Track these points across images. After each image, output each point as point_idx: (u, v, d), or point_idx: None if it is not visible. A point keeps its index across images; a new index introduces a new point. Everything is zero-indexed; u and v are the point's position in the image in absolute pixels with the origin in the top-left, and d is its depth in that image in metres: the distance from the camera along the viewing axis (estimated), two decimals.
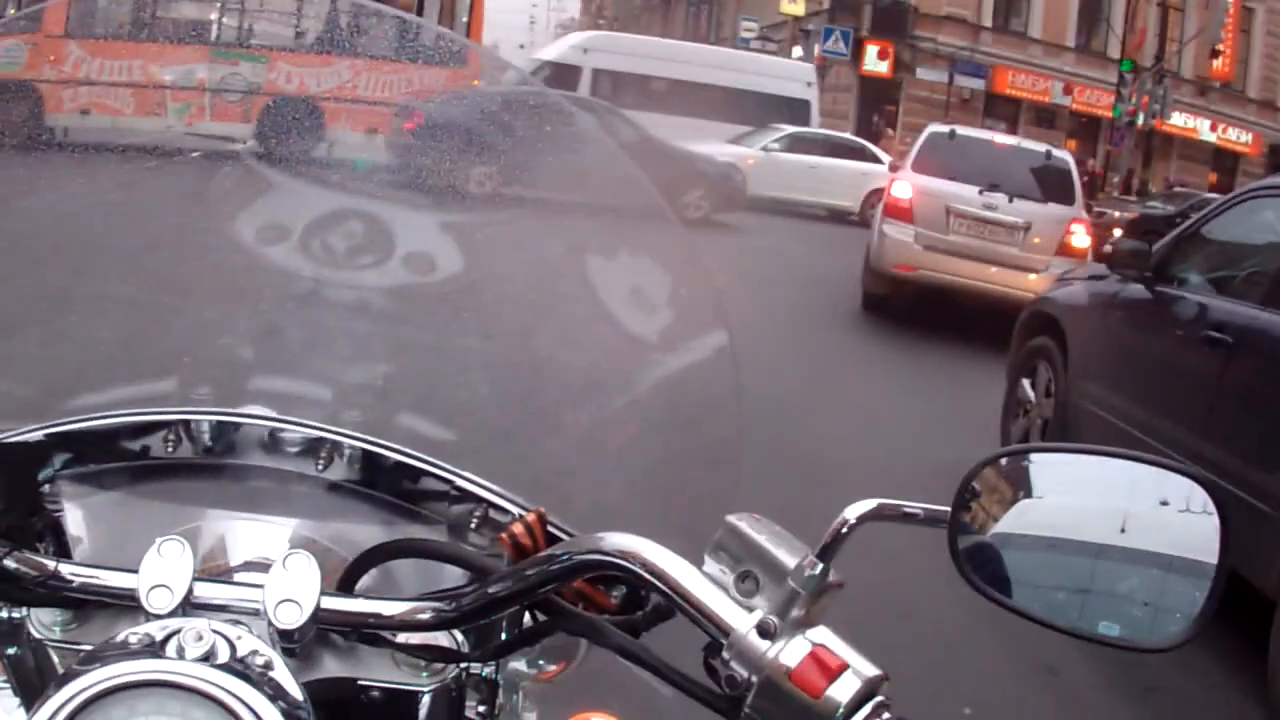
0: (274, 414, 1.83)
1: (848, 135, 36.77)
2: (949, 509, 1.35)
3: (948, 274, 15.34)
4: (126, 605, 1.40)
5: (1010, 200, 15.46)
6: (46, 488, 1.66)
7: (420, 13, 26.52)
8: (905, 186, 15.90)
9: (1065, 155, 17.34)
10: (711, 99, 33.95)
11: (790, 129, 32.63)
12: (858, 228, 25.42)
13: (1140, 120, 43.18)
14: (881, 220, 16.00)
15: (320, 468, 1.78)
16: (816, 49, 45.72)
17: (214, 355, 2.08)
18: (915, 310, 15.73)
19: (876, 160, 31.57)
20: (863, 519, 1.28)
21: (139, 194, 2.33)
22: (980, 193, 15.45)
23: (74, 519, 1.66)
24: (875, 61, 45.12)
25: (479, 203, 2.20)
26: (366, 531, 1.70)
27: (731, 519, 1.35)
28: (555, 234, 2.34)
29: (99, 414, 1.78)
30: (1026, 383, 9.49)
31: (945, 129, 17.20)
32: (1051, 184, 16.07)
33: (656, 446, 2.06)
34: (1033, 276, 14.75)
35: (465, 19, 26.17)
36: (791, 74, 38.85)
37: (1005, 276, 15.13)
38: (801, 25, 50.95)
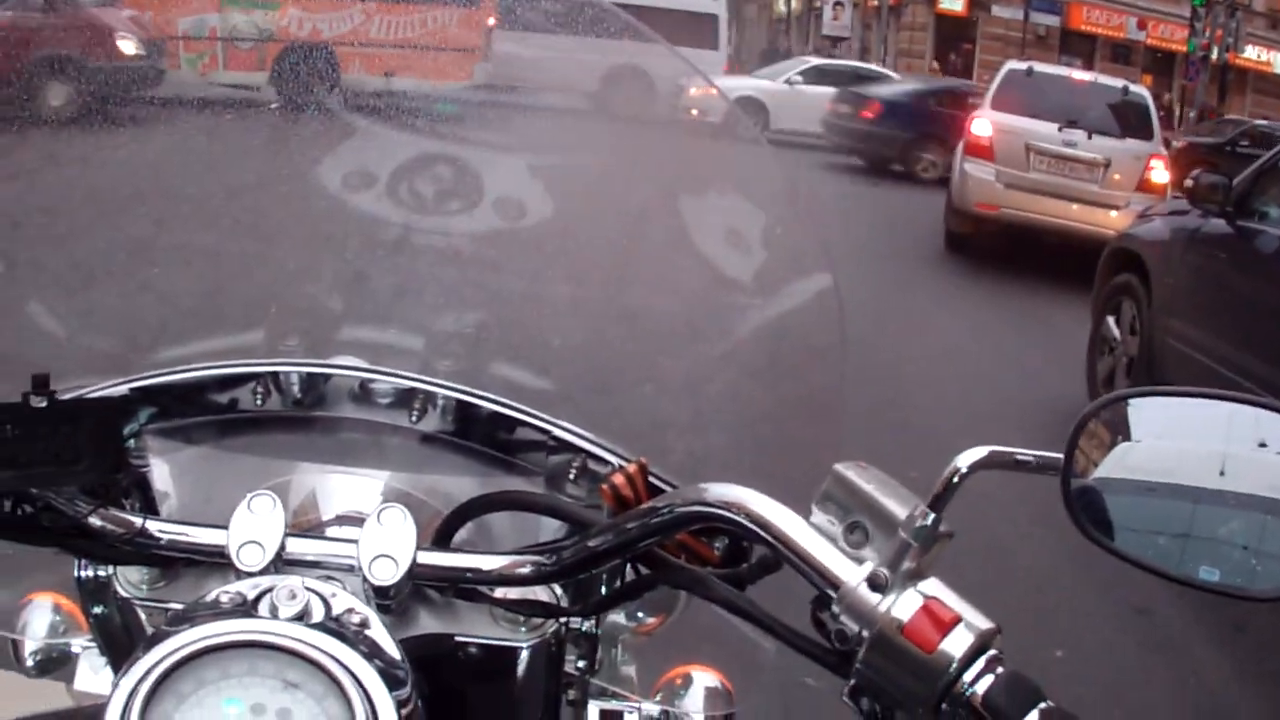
0: (365, 364, 1.80)
1: (871, 64, 35.82)
2: (1060, 455, 1.31)
3: (1030, 212, 15.22)
4: (216, 563, 1.39)
5: (1089, 137, 15.35)
6: (132, 443, 1.63)
7: None
8: (985, 124, 15.78)
9: (1142, 90, 17.19)
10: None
11: (814, 60, 31.66)
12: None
13: (1214, 54, 42.52)
14: (963, 159, 15.88)
15: (413, 419, 1.75)
16: None
17: (301, 305, 2.05)
18: (998, 248, 15.64)
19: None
20: (975, 467, 1.25)
21: (219, 141, 2.31)
22: (1059, 129, 15.35)
23: (160, 474, 1.64)
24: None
25: (568, 143, 2.18)
26: (462, 484, 1.66)
27: (839, 467, 1.31)
28: (647, 173, 2.23)
29: (184, 367, 1.76)
30: (1111, 320, 9.38)
31: (1023, 66, 17.06)
32: (1129, 120, 15.93)
33: (758, 394, 2.02)
34: (1114, 213, 14.63)
35: None
36: None
37: (1087, 214, 15.04)
38: None
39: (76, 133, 2.16)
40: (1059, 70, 19.60)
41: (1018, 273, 15.05)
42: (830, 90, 28.39)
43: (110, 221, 2.17)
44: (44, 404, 1.42)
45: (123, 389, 1.67)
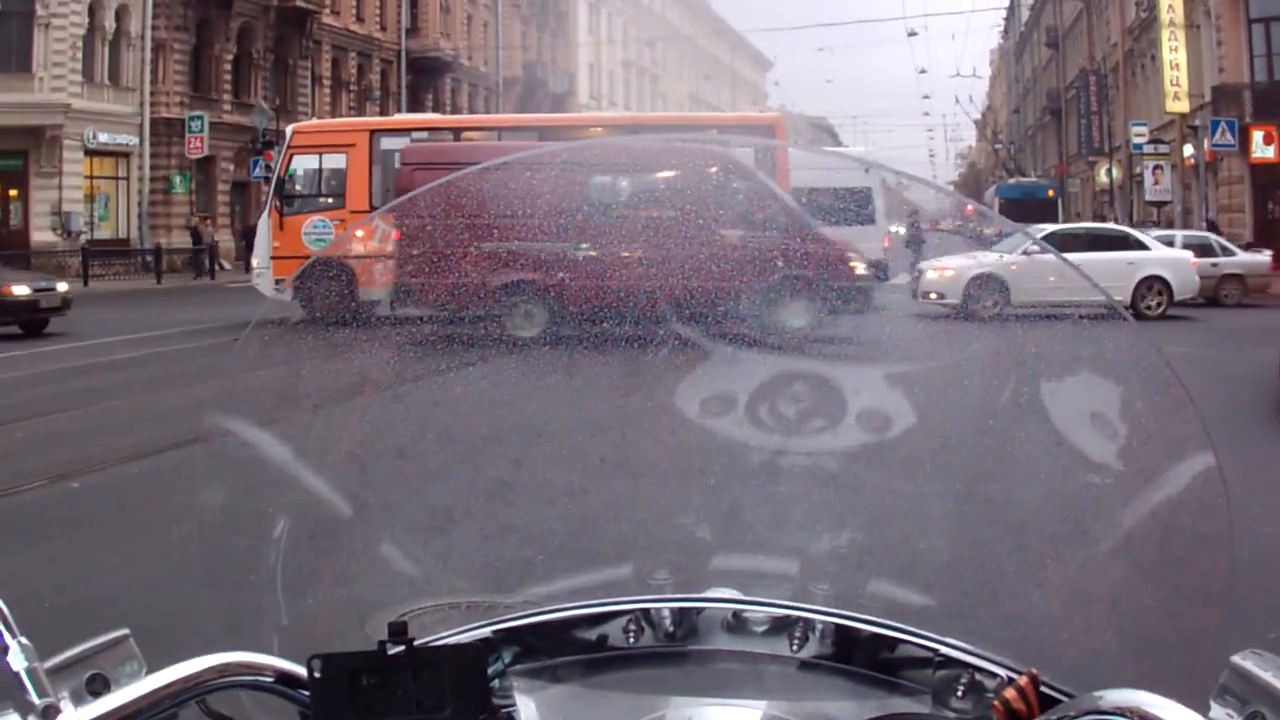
0: (738, 594, 1.80)
1: (1109, 224, 35.09)
2: None
3: None
4: None
5: None
6: (497, 683, 1.61)
7: None
8: None
9: None
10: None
11: (1049, 227, 31.05)
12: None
13: None
14: None
15: (794, 648, 1.71)
16: (1206, 144, 44.42)
17: (670, 537, 2.03)
18: None
19: (1143, 247, 29.76)
20: None
21: (574, 379, 2.32)
22: None
23: (527, 715, 1.60)
24: (1262, 147, 43.39)
25: (923, 346, 2.15)
26: (844, 708, 1.66)
27: (1236, 659, 1.27)
28: (1004, 365, 2.16)
29: (548, 608, 1.77)
30: None
31: None
32: None
33: (1146, 589, 1.92)
34: None
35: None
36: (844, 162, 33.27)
37: None
38: (1188, 122, 49.60)
39: (422, 375, 2.28)
40: None
41: None
42: (1070, 255, 27.67)
43: (465, 463, 2.19)
44: (402, 650, 1.41)
45: (486, 630, 1.69)
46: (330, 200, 27.78)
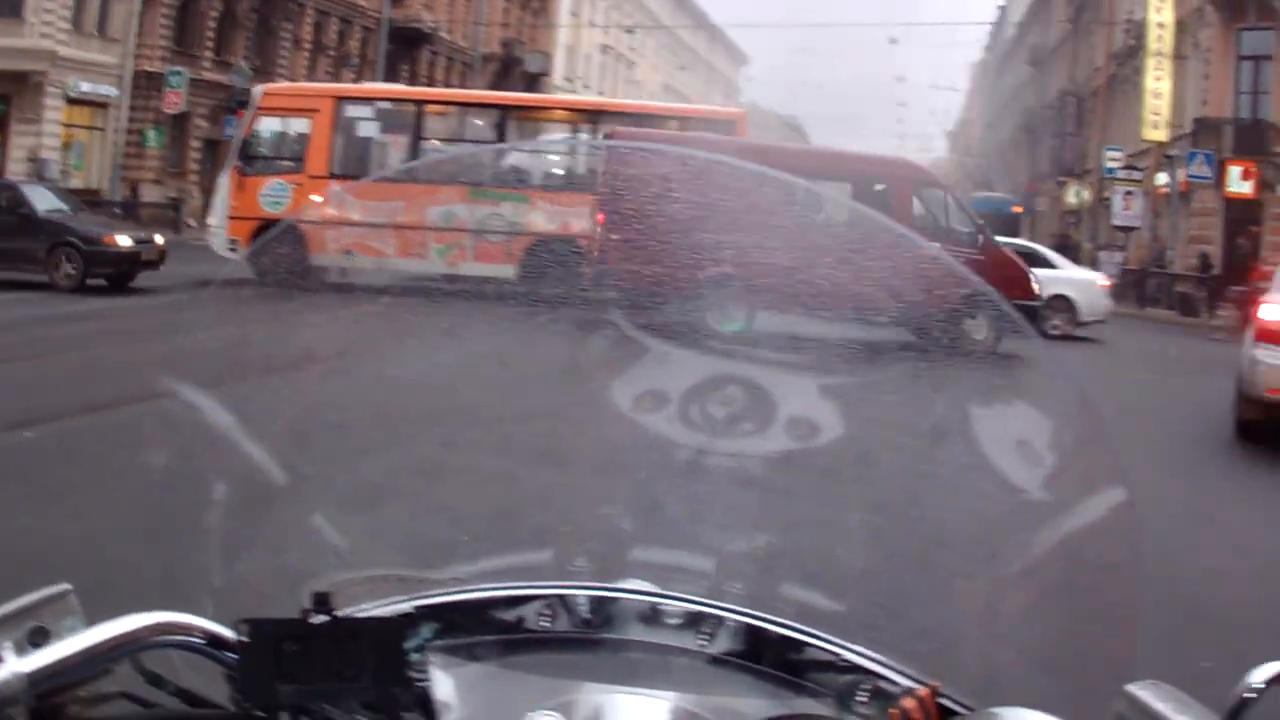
0: (654, 588, 1.83)
1: (1019, 240, 34.50)
2: None
3: None
4: None
5: None
6: (415, 657, 1.65)
7: None
8: (1275, 310, 15.39)
9: None
10: None
11: None
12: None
13: None
14: (1252, 345, 15.47)
15: (702, 642, 1.77)
16: (1181, 174, 44.63)
17: (592, 526, 2.08)
18: None
19: (1050, 265, 29.07)
20: (1271, 683, 1.23)
21: (511, 368, 2.34)
22: None
23: (443, 691, 1.64)
24: (1239, 182, 43.56)
25: (858, 361, 2.15)
26: (751, 705, 1.69)
27: (1132, 688, 1.30)
28: (938, 387, 2.20)
29: (470, 587, 1.82)
30: None
31: None
32: None
33: (1051, 613, 1.97)
34: None
35: None
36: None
37: None
38: (1165, 151, 49.84)
39: (363, 353, 2.31)
40: None
41: None
42: None
43: (397, 444, 2.24)
44: (325, 619, 1.48)
45: (407, 606, 1.73)
46: (290, 164, 27.70)
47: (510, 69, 74.32)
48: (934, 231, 23.13)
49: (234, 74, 48.60)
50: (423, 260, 20.04)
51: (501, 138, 27.31)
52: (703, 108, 37.42)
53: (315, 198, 25.79)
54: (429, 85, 56.11)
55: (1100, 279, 30.67)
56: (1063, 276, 28.92)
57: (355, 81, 52.40)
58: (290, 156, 27.95)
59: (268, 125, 28.34)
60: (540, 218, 22.16)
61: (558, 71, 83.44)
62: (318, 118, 27.76)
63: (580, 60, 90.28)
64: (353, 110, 28.45)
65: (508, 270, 18.90)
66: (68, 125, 47.50)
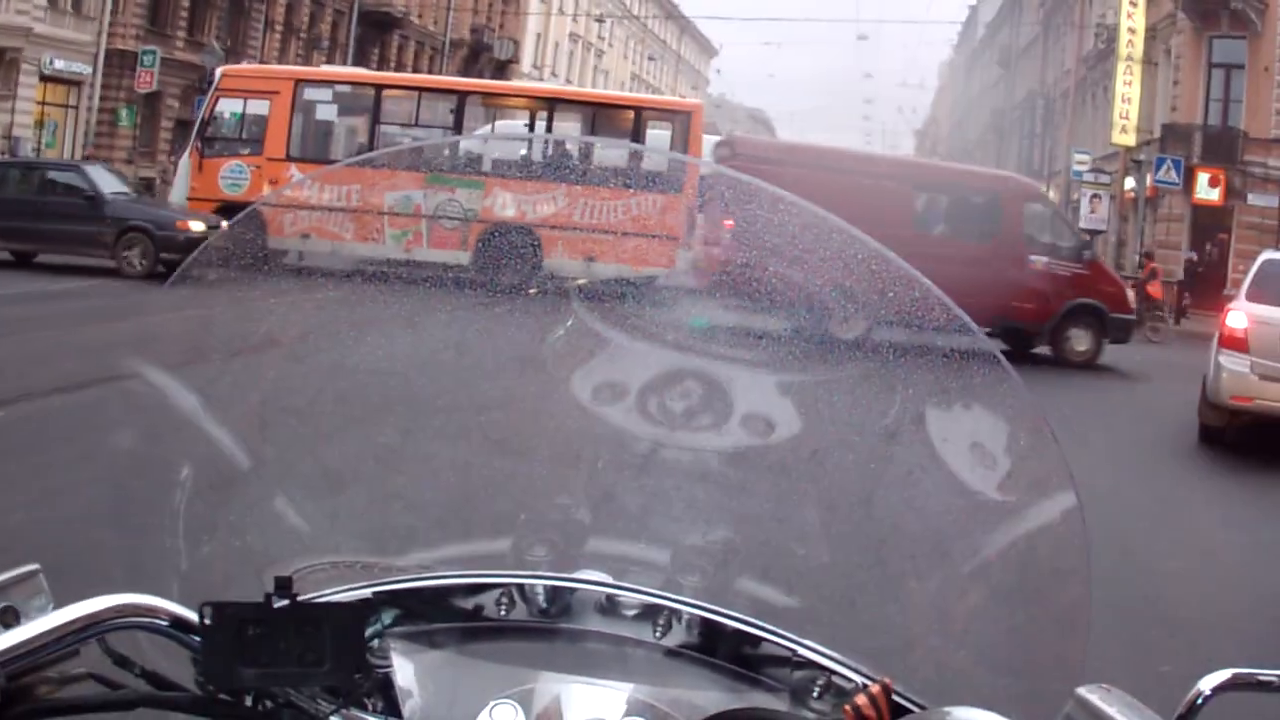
0: (610, 580, 1.83)
1: None
2: None
3: None
4: None
5: None
6: (375, 644, 1.66)
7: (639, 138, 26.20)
8: (1240, 317, 15.49)
9: None
10: None
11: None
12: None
13: None
14: (1217, 351, 15.63)
15: (658, 634, 1.76)
16: (1149, 179, 44.85)
17: (549, 517, 2.07)
18: (1254, 441, 15.26)
19: None
20: (1218, 690, 1.25)
21: (470, 355, 2.34)
22: None
23: (403, 677, 1.65)
24: (1207, 189, 43.86)
25: (815, 360, 2.14)
26: (706, 697, 1.68)
27: (1082, 691, 1.31)
28: (891, 388, 2.16)
29: (430, 574, 1.81)
30: None
31: (1279, 256, 16.81)
32: None
33: (1002, 615, 1.99)
34: None
35: (684, 147, 26.17)
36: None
37: None
38: (1133, 156, 50.08)
39: (324, 339, 2.29)
40: None
41: (1276, 466, 14.65)
42: None
43: (357, 430, 2.23)
44: (286, 604, 1.48)
45: (367, 592, 1.72)
46: (249, 146, 27.72)
47: (479, 55, 74.12)
48: (1040, 245, 23.46)
49: (206, 54, 48.23)
50: (378, 245, 19.91)
51: (459, 123, 27.49)
52: (660, 99, 37.30)
53: (272, 180, 26.02)
54: (398, 70, 55.93)
55: None
56: None
57: (326, 64, 52.16)
58: (249, 138, 27.91)
59: (227, 107, 28.21)
60: (496, 205, 22.02)
61: (526, 59, 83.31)
62: (277, 100, 27.71)
63: (549, 48, 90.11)
64: (311, 93, 28.45)
65: (462, 257, 18.76)
66: (41, 103, 47.27)
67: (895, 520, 2.09)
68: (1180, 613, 8.19)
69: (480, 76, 59.18)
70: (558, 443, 2.23)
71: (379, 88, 28.88)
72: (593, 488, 2.16)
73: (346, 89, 29.00)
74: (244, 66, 35.74)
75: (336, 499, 2.11)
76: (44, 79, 46.70)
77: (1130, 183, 49.40)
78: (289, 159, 26.80)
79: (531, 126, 27.96)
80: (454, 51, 72.61)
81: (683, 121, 27.67)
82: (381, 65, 59.57)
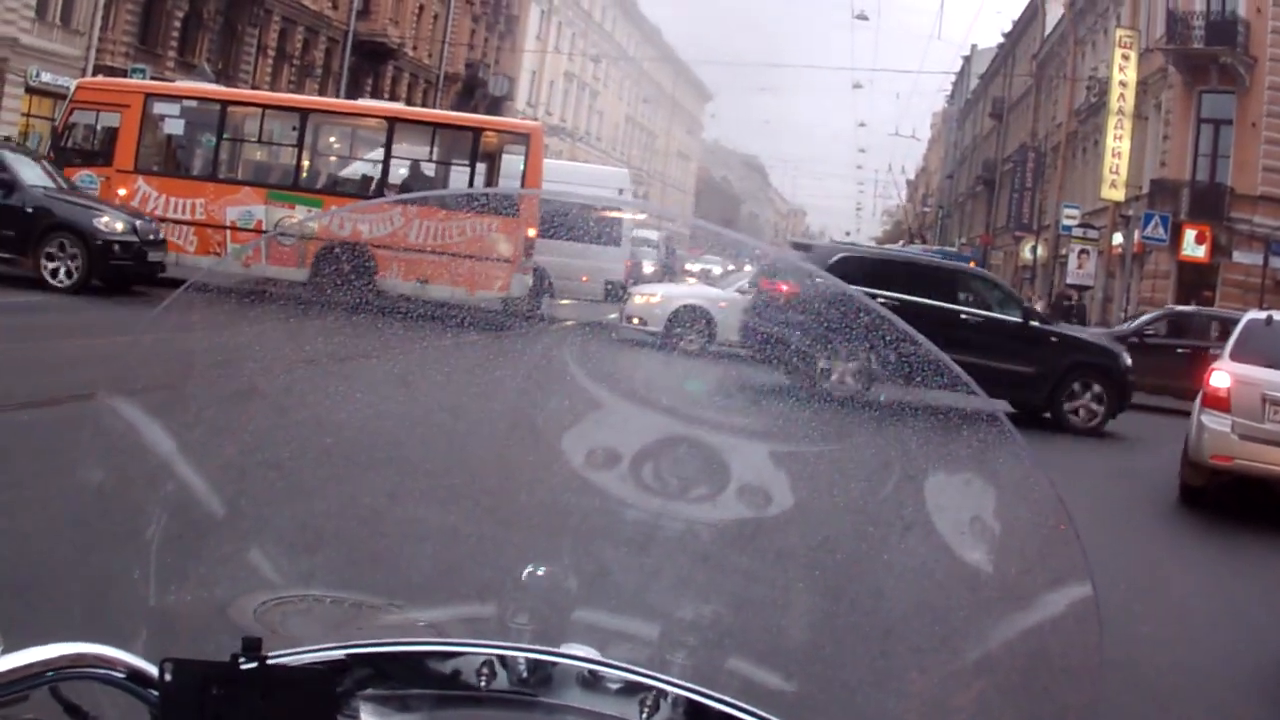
0: (595, 655, 1.76)
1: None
2: None
3: (1265, 463, 14.75)
4: None
5: None
6: (346, 703, 1.60)
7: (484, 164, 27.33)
8: (1224, 376, 15.42)
9: None
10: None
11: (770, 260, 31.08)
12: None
13: None
14: (1199, 410, 15.53)
15: (643, 714, 1.68)
16: (1136, 235, 44.93)
17: (536, 585, 1.99)
18: (1235, 502, 15.18)
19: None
20: None
21: (463, 418, 2.29)
22: None
23: None
24: (1193, 246, 43.96)
25: (810, 430, 2.09)
26: None
27: None
28: (885, 464, 2.11)
29: (409, 640, 1.75)
30: None
31: (1262, 315, 16.68)
32: None
33: (1005, 712, 1.91)
34: None
35: (522, 168, 26.74)
36: (604, 180, 34.46)
37: None
38: (1121, 211, 50.23)
39: (309, 392, 2.21)
40: None
41: (1256, 527, 14.58)
42: None
43: (339, 488, 2.16)
44: (254, 666, 1.43)
45: (339, 653, 1.67)
46: (100, 157, 27.98)
47: (474, 90, 74.34)
48: None
49: (196, 75, 48.23)
50: (219, 260, 19.97)
51: (301, 139, 27.92)
52: (499, 119, 38.31)
53: (121, 190, 26.53)
54: (392, 101, 55.89)
55: None
56: None
57: (319, 92, 52.21)
58: (100, 150, 28.16)
59: (81, 118, 28.52)
60: (333, 223, 21.95)
61: (521, 96, 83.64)
62: (127, 113, 27.95)
63: (544, 86, 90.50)
64: (160, 107, 28.69)
65: (299, 274, 18.63)
66: (26, 115, 47.26)
67: (899, 610, 2.03)
68: (1162, 684, 8.06)
69: (475, 111, 59.19)
70: (548, 509, 2.17)
71: (225, 104, 29.19)
72: (583, 557, 2.08)
73: (194, 104, 29.22)
74: (99, 79, 36.00)
75: (313, 558, 2.06)
76: (30, 91, 46.67)
77: (1118, 238, 49.48)
78: (136, 171, 27.32)
79: (387, 146, 27.89)
80: (448, 86, 72.80)
81: (519, 141, 28.15)
82: (375, 95, 59.50)
